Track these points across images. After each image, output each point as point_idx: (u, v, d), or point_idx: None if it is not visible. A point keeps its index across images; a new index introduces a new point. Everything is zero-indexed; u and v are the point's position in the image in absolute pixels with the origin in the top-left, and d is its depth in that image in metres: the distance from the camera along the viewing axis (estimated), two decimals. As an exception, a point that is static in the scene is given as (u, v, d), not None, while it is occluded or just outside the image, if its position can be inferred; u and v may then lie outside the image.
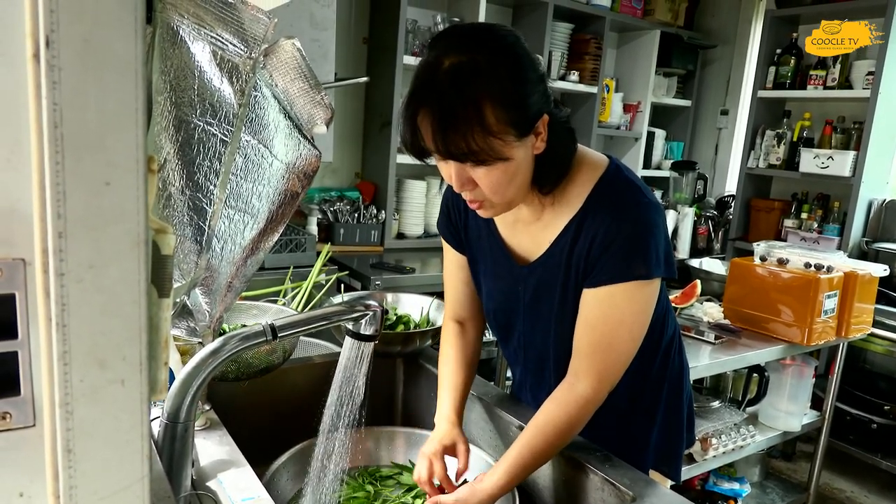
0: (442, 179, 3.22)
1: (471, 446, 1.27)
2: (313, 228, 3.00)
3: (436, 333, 1.48)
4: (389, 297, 1.62)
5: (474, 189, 0.97)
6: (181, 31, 0.69)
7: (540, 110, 0.94)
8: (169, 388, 0.83)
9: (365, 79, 1.69)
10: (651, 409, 1.24)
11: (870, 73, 3.15)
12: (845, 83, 3.29)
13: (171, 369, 0.96)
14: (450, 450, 1.12)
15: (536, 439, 1.03)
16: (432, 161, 0.97)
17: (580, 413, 1.04)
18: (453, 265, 1.26)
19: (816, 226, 3.45)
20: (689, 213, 3.78)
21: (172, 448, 0.82)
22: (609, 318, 1.03)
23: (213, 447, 1.05)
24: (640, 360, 1.12)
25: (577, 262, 1.05)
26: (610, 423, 1.16)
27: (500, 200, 0.98)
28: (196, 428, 1.06)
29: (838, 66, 3.27)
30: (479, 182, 0.95)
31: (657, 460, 1.27)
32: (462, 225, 1.21)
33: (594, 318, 1.04)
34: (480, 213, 1.03)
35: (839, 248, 3.23)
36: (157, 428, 0.86)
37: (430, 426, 1.20)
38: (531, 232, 1.11)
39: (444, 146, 0.89)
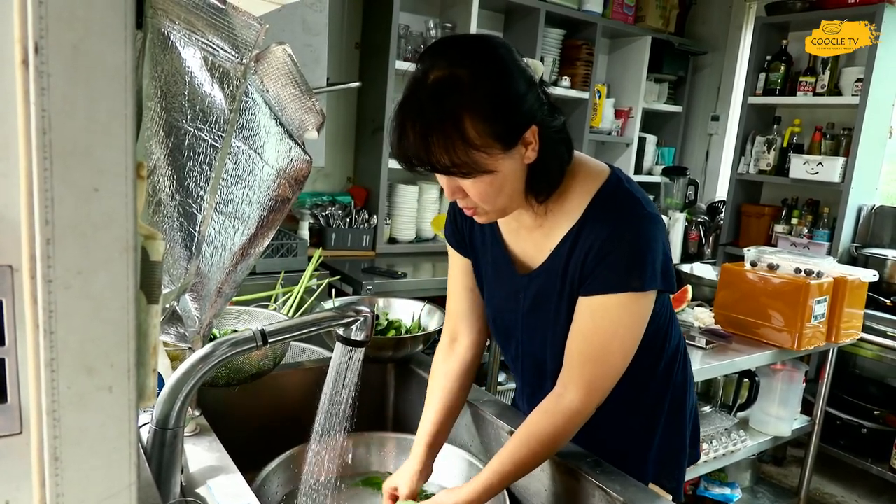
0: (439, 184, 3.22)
1: (461, 451, 1.27)
2: (305, 233, 2.99)
3: (427, 338, 1.48)
4: (381, 302, 1.61)
5: (465, 197, 0.98)
6: (172, 37, 0.69)
7: (528, 121, 0.94)
8: (158, 394, 0.83)
9: (357, 84, 1.70)
10: (652, 420, 1.23)
11: (859, 80, 3.18)
12: (834, 90, 3.32)
13: (160, 375, 0.96)
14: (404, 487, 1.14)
15: (520, 450, 1.03)
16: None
17: (567, 425, 1.03)
18: (458, 270, 1.25)
19: (806, 231, 3.47)
20: (681, 218, 3.80)
21: (161, 454, 0.82)
22: (601, 328, 1.02)
23: (202, 453, 1.04)
24: (642, 370, 1.12)
25: (573, 272, 1.04)
26: (609, 433, 1.15)
27: (491, 208, 0.99)
28: (186, 434, 1.05)
29: (828, 73, 3.30)
30: (468, 191, 0.96)
31: (657, 473, 1.25)
32: (467, 230, 1.21)
33: (586, 328, 1.03)
34: (476, 218, 1.04)
35: (829, 253, 3.26)
36: (146, 434, 0.85)
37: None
38: (534, 238, 1.11)
39: (428, 160, 0.90)
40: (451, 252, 1.25)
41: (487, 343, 1.34)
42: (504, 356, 1.32)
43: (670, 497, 1.28)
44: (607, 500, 1.04)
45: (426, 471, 1.15)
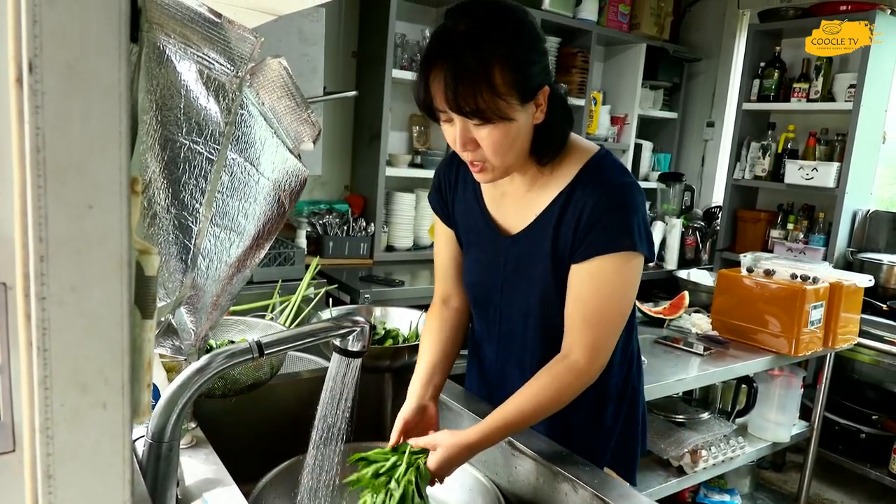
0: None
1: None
2: (302, 241, 2.99)
3: (424, 348, 1.47)
4: (378, 311, 1.61)
5: (476, 149, 1.03)
6: (167, 51, 0.69)
7: (542, 82, 1.02)
8: (153, 406, 0.82)
9: (354, 93, 1.70)
10: (617, 409, 1.28)
11: (851, 86, 3.20)
12: (828, 96, 3.34)
13: (156, 387, 0.96)
14: (411, 423, 1.15)
15: (528, 402, 1.06)
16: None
17: (574, 382, 1.07)
18: (443, 239, 1.30)
19: (802, 236, 3.48)
20: (677, 224, 3.81)
21: (157, 468, 0.81)
22: (599, 292, 1.08)
23: (198, 465, 1.04)
24: (610, 359, 1.17)
25: (564, 233, 1.10)
26: (576, 420, 1.21)
27: (500, 163, 1.04)
28: (181, 446, 1.05)
29: (821, 79, 3.31)
30: (482, 142, 1.01)
31: (613, 461, 1.30)
32: (451, 198, 1.26)
33: (585, 293, 1.08)
34: (480, 177, 1.09)
35: (825, 258, 3.27)
36: (141, 447, 0.85)
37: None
38: (518, 205, 1.17)
39: (455, 102, 0.95)
40: (437, 221, 1.31)
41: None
42: (478, 325, 1.34)
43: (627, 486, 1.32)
44: (605, 510, 1.04)
45: (424, 408, 1.16)
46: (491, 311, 1.26)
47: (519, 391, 1.07)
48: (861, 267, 3.16)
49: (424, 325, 1.31)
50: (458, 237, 1.28)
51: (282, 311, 1.75)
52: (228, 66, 0.71)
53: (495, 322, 1.26)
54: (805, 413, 2.59)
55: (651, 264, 3.65)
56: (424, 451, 1.04)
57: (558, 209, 1.10)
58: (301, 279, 1.87)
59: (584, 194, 1.08)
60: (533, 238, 1.14)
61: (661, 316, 2.48)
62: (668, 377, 1.95)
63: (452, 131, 1.02)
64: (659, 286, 3.59)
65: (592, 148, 1.14)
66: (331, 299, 2.22)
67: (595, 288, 1.08)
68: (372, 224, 3.14)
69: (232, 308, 1.49)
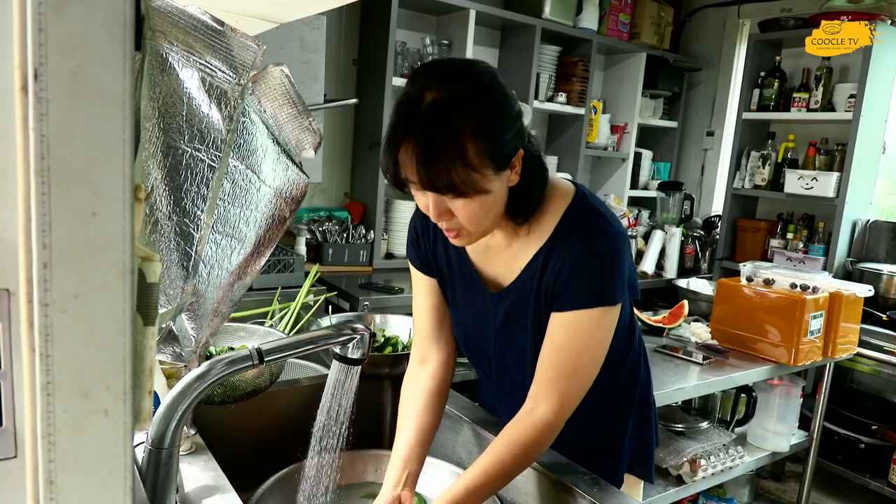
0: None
1: (458, 469, 1.26)
2: (302, 249, 2.99)
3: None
4: (377, 318, 1.61)
5: (451, 219, 0.98)
6: (170, 58, 0.70)
7: (516, 147, 0.97)
8: (154, 413, 0.82)
9: (354, 101, 1.71)
10: (624, 416, 1.27)
11: (851, 96, 3.21)
12: (828, 106, 3.35)
13: (156, 394, 0.95)
14: None
15: (492, 465, 1.01)
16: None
17: (539, 438, 1.03)
18: (423, 291, 1.24)
19: (802, 246, 3.48)
20: (677, 233, 3.81)
21: (156, 475, 0.81)
22: (574, 342, 1.04)
23: (197, 472, 1.04)
24: (614, 370, 1.16)
25: (546, 288, 1.07)
26: (587, 433, 1.19)
27: (476, 230, 1.01)
28: (181, 452, 1.04)
29: (821, 89, 3.33)
30: (457, 213, 0.97)
31: (631, 463, 1.29)
32: (430, 252, 1.21)
33: (559, 343, 1.05)
34: (456, 242, 1.04)
35: (824, 268, 3.27)
36: (140, 453, 0.85)
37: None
38: (503, 258, 1.13)
39: (427, 178, 0.90)
40: (415, 273, 1.24)
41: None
42: (477, 374, 1.33)
43: (642, 483, 1.34)
44: (605, 519, 1.03)
45: (398, 497, 1.09)
46: (486, 365, 1.25)
47: (485, 454, 1.03)
48: (861, 277, 3.17)
49: (402, 390, 1.23)
50: (443, 290, 1.23)
51: (281, 318, 1.75)
52: (230, 73, 0.72)
53: (493, 373, 1.25)
54: (804, 423, 2.58)
55: (650, 274, 3.68)
56: None
57: (540, 265, 1.07)
58: (300, 286, 1.87)
59: (564, 250, 1.04)
60: (519, 294, 1.11)
61: (660, 325, 2.48)
62: (668, 386, 1.95)
63: (425, 200, 0.97)
64: (658, 295, 3.60)
65: (569, 192, 1.09)
66: (330, 306, 2.22)
67: (569, 339, 1.05)
68: (371, 231, 3.14)
69: (232, 314, 1.49)
